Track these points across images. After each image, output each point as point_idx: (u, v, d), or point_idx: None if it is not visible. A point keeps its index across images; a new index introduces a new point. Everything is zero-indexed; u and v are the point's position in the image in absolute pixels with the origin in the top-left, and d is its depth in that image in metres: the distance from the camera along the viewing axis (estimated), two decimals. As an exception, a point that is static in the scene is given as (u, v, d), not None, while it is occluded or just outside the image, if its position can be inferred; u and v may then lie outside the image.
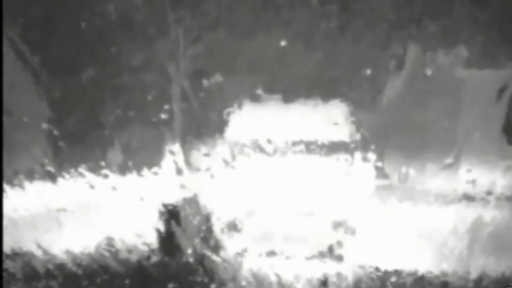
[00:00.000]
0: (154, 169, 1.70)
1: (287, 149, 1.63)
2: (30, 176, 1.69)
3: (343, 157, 1.62)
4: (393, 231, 1.73)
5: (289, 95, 1.56)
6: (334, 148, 1.62)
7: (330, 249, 1.78)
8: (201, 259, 1.80)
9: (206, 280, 1.81)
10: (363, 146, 1.61)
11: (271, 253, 1.80)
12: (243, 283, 1.81)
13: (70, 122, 1.63)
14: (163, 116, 1.62)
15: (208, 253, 1.80)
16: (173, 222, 1.78)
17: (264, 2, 1.47)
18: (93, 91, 1.59)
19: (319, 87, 1.55)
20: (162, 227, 1.79)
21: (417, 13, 1.44)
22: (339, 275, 1.80)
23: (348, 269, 1.79)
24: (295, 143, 1.63)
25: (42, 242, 1.77)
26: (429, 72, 1.51)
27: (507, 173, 1.57)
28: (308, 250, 1.79)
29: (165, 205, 1.76)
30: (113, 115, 1.62)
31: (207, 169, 1.69)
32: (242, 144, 1.64)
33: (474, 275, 1.72)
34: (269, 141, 1.63)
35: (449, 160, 1.59)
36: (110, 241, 1.79)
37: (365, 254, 1.79)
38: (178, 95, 1.59)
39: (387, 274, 1.76)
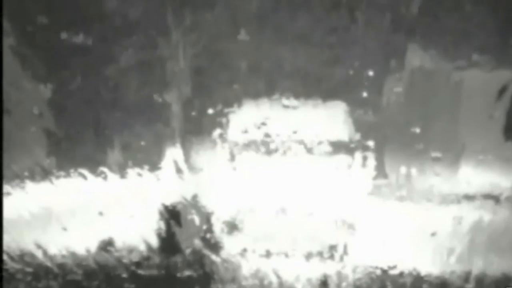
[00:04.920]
0: (154, 169, 1.70)
1: (287, 149, 1.63)
2: (30, 176, 1.69)
3: (343, 157, 1.62)
4: (393, 231, 1.73)
5: (289, 95, 1.56)
6: (334, 148, 1.62)
7: (330, 249, 1.78)
8: (201, 259, 1.80)
9: (206, 280, 1.81)
10: (363, 146, 1.61)
11: (271, 253, 1.80)
12: (243, 283, 1.81)
13: (70, 122, 1.63)
14: (163, 116, 1.62)
15: (208, 253, 1.80)
16: (173, 222, 1.78)
17: (264, 2, 1.47)
18: (93, 91, 1.59)
19: (319, 87, 1.55)
20: (162, 227, 1.79)
21: (418, 13, 1.44)
22: (339, 275, 1.80)
23: (348, 269, 1.79)
24: (295, 143, 1.63)
25: (42, 242, 1.77)
26: (429, 72, 1.51)
27: (507, 173, 1.57)
28: (308, 250, 1.79)
29: (165, 205, 1.76)
30: (113, 115, 1.62)
31: (207, 169, 1.69)
32: (242, 144, 1.64)
33: (474, 275, 1.72)
34: (269, 141, 1.63)
35: (449, 160, 1.59)
36: (110, 241, 1.79)
37: (365, 254, 1.79)
38: (178, 95, 1.59)
39: (387, 274, 1.76)
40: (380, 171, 1.64)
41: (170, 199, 1.76)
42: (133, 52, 1.53)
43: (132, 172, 1.69)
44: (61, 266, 1.80)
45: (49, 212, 1.74)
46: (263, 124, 1.61)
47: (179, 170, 1.70)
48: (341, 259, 1.78)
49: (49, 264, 1.80)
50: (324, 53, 1.51)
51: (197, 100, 1.59)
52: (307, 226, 1.76)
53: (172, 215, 1.77)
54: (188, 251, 1.80)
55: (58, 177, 1.69)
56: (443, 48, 1.47)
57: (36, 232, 1.76)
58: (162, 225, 1.79)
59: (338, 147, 1.61)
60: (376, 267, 1.77)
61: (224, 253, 1.80)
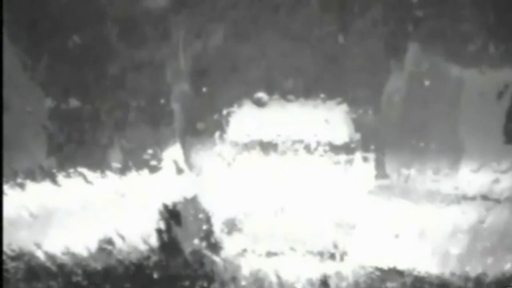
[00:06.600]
0: (154, 169, 1.70)
1: (287, 149, 1.63)
2: (30, 176, 1.69)
3: (343, 157, 1.62)
4: (393, 231, 1.73)
5: (289, 95, 1.56)
6: (334, 148, 1.62)
7: (330, 249, 1.79)
8: (201, 259, 1.80)
9: (206, 280, 1.82)
10: (363, 146, 1.61)
11: (271, 253, 1.81)
12: (243, 283, 1.82)
13: (70, 122, 1.63)
14: (163, 116, 1.62)
15: (208, 253, 1.80)
16: (173, 222, 1.78)
17: (264, 3, 1.47)
18: (92, 91, 1.59)
19: (319, 87, 1.55)
20: (162, 227, 1.79)
21: (418, 13, 1.44)
22: (339, 275, 1.80)
23: (348, 269, 1.80)
24: (295, 143, 1.63)
25: (42, 242, 1.78)
26: (429, 71, 1.51)
27: (507, 173, 1.57)
28: (308, 250, 1.79)
29: (165, 205, 1.76)
30: (113, 115, 1.62)
31: (207, 169, 1.69)
32: (242, 144, 1.64)
33: (474, 275, 1.72)
34: (269, 141, 1.63)
35: (449, 160, 1.59)
36: (110, 241, 1.79)
37: (365, 254, 1.79)
38: (178, 95, 1.59)
39: (387, 274, 1.76)
40: (380, 171, 1.64)
41: (170, 199, 1.76)
42: (134, 53, 1.53)
43: (132, 172, 1.69)
44: (61, 266, 1.81)
45: (49, 212, 1.74)
46: (263, 124, 1.61)
47: (179, 170, 1.70)
48: (341, 259, 1.78)
49: (49, 264, 1.80)
50: (324, 53, 1.51)
51: (197, 100, 1.59)
52: (307, 226, 1.76)
53: (172, 215, 1.77)
54: (188, 251, 1.81)
55: (58, 177, 1.69)
56: (443, 48, 1.47)
57: (36, 232, 1.77)
58: (162, 225, 1.79)
59: (338, 147, 1.61)
60: (376, 267, 1.77)
61: (224, 253, 1.80)
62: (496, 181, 1.58)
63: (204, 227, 1.79)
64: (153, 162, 1.68)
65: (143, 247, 1.80)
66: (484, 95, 1.50)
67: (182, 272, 1.82)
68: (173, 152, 1.67)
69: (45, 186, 1.70)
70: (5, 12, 1.47)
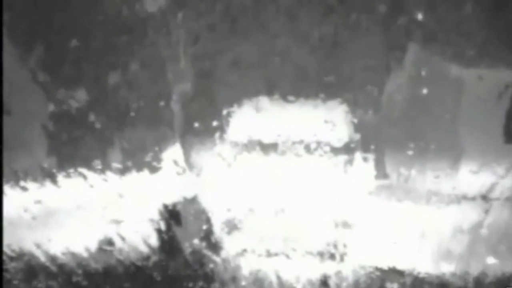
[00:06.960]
0: (154, 169, 1.70)
1: (287, 149, 1.63)
2: (30, 176, 1.69)
3: (343, 157, 1.62)
4: (393, 231, 1.73)
5: (289, 95, 1.56)
6: (334, 148, 1.62)
7: (330, 249, 1.79)
8: (201, 259, 1.81)
9: (206, 280, 1.82)
10: (363, 146, 1.61)
11: (271, 253, 1.81)
12: (243, 283, 1.82)
13: (70, 122, 1.63)
14: (163, 116, 1.62)
15: (208, 253, 1.80)
16: (173, 222, 1.78)
17: (264, 2, 1.47)
18: (92, 92, 1.59)
19: (319, 87, 1.55)
20: (162, 227, 1.79)
21: (418, 13, 1.44)
22: (339, 275, 1.80)
23: (348, 269, 1.80)
24: (295, 143, 1.63)
25: (42, 242, 1.78)
26: (429, 72, 1.51)
27: (508, 173, 1.57)
28: (308, 250, 1.79)
29: (165, 205, 1.76)
30: (113, 115, 1.62)
31: (207, 169, 1.69)
32: (242, 144, 1.64)
33: (474, 275, 1.72)
34: (269, 141, 1.63)
35: (449, 160, 1.59)
36: (110, 241, 1.79)
37: (365, 254, 1.79)
38: (178, 96, 1.59)
39: (387, 274, 1.76)
40: (380, 171, 1.64)
41: (170, 199, 1.76)
42: (134, 53, 1.53)
43: (132, 172, 1.69)
44: (61, 266, 1.81)
45: (49, 212, 1.74)
46: (263, 124, 1.61)
47: (179, 170, 1.70)
48: (341, 259, 1.79)
49: (49, 264, 1.80)
50: (324, 53, 1.51)
51: (197, 100, 1.59)
52: (307, 226, 1.76)
53: (172, 215, 1.78)
54: (188, 251, 1.81)
55: (58, 177, 1.69)
56: (443, 48, 1.47)
57: (36, 232, 1.77)
58: (162, 225, 1.79)
59: (338, 147, 1.61)
60: (376, 267, 1.77)
61: (224, 253, 1.80)
62: (496, 181, 1.58)
63: (204, 227, 1.79)
64: (153, 162, 1.68)
65: (143, 247, 1.80)
66: (484, 96, 1.50)
67: (182, 272, 1.83)
68: (173, 152, 1.67)
69: (45, 186, 1.70)
70: (5, 12, 1.47)
